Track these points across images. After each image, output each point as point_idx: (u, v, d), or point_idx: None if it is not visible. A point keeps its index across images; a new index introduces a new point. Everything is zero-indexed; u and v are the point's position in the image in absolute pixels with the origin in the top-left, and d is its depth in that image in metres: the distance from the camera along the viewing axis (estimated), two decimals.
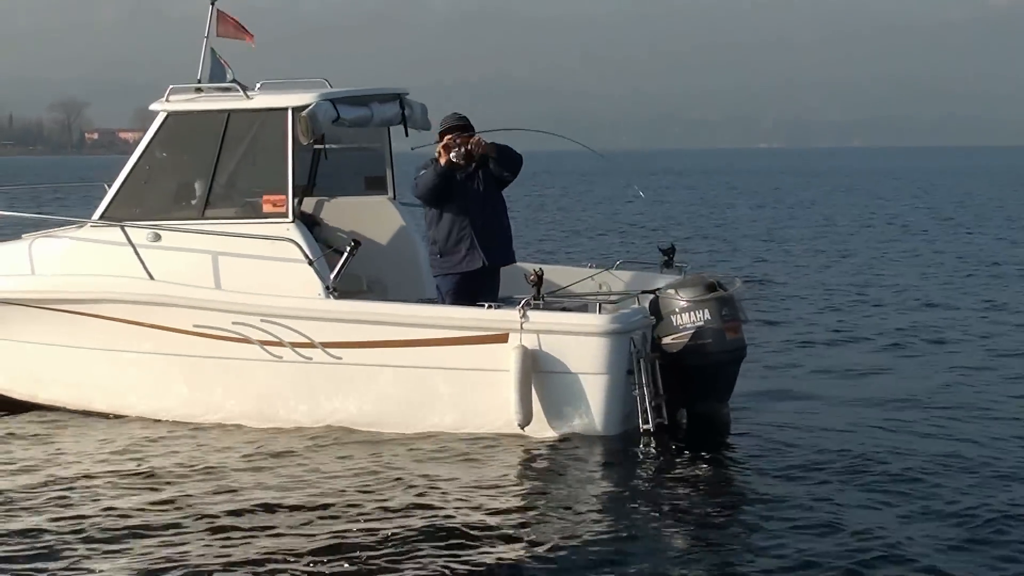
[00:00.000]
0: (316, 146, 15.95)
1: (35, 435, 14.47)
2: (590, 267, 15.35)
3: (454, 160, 13.69)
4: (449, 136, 13.86)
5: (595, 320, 13.05)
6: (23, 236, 15.61)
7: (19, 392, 15.53)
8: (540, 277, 13.12)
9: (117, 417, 14.88)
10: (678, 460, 12.69)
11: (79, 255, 14.85)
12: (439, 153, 13.81)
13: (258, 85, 15.18)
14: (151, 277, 14.31)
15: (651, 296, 13.97)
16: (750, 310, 15.23)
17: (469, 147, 13.72)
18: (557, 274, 15.13)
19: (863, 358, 18.40)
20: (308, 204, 15.93)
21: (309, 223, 15.70)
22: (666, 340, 13.65)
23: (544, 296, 13.16)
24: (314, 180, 16.07)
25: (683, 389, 13.71)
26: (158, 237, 14.39)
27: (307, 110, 13.95)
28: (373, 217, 15.81)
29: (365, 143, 16.20)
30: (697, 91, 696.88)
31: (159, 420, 14.64)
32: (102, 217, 14.68)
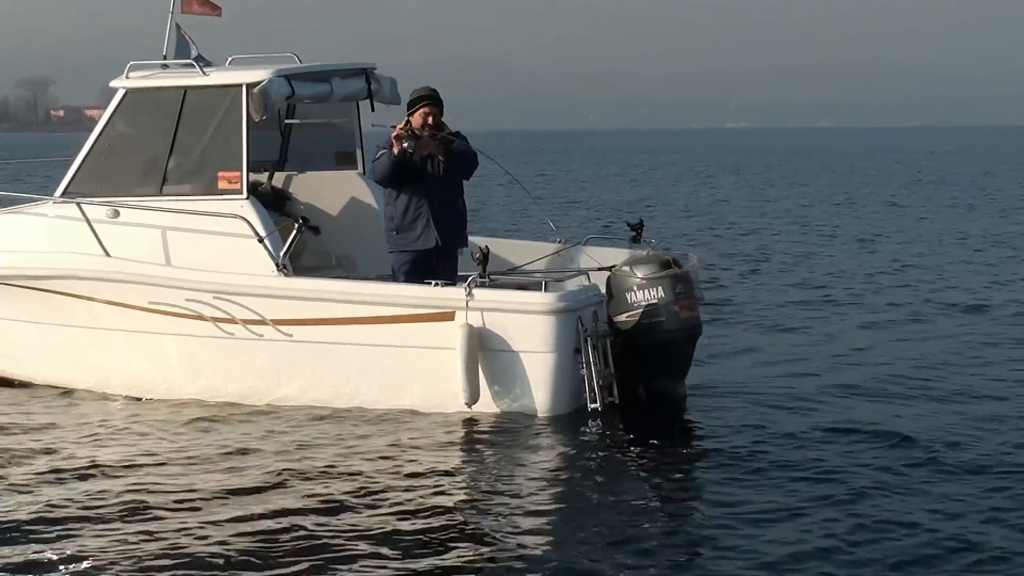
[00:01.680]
0: (288, 121, 15.63)
1: None
2: (559, 242, 14.86)
3: (407, 151, 13.15)
4: (401, 124, 13.39)
5: (541, 298, 12.59)
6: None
7: None
8: (486, 255, 12.62)
9: (75, 392, 14.51)
10: (624, 440, 12.17)
11: (41, 232, 14.58)
12: (393, 138, 13.29)
13: (229, 60, 14.82)
14: (107, 254, 13.97)
15: (606, 273, 13.45)
16: (709, 288, 14.69)
17: (415, 147, 13.26)
18: (526, 249, 14.80)
19: (826, 338, 17.81)
20: (279, 179, 15.59)
21: (280, 198, 15.42)
22: (619, 318, 13.16)
23: (489, 274, 12.63)
24: (285, 155, 15.74)
25: (637, 368, 13.19)
26: (117, 214, 14.05)
27: (259, 86, 13.53)
28: (343, 192, 15.43)
29: (334, 118, 15.73)
30: (665, 73, 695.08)
31: (117, 396, 14.27)
32: (64, 194, 14.36)
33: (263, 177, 15.52)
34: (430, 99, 13.52)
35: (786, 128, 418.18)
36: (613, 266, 13.58)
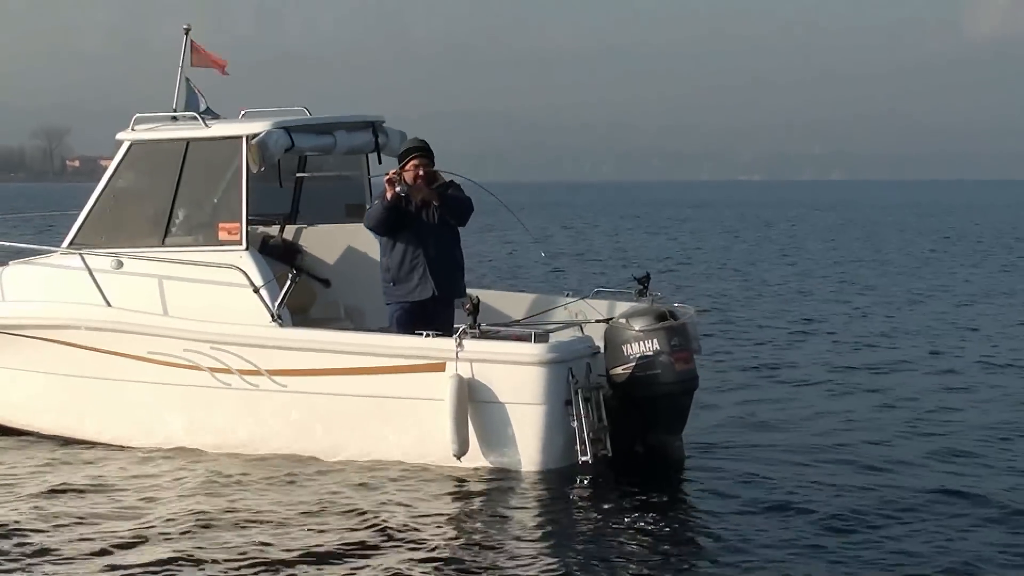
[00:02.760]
0: (298, 174, 15.52)
1: None
2: (567, 295, 14.59)
3: (400, 194, 12.91)
4: (394, 171, 13.21)
5: (530, 349, 12.26)
6: (11, 264, 15.10)
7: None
8: (476, 306, 12.37)
9: (82, 443, 14.29)
10: (613, 494, 11.88)
11: (47, 282, 14.50)
12: (385, 182, 13.06)
13: (241, 113, 14.70)
14: (108, 304, 13.86)
15: (604, 325, 13.15)
16: (710, 340, 14.33)
17: (408, 191, 13.06)
18: (531, 302, 14.52)
19: (827, 392, 17.46)
20: (290, 231, 15.45)
21: (291, 251, 15.24)
22: (615, 370, 12.86)
23: (480, 325, 12.35)
24: (297, 208, 15.60)
25: (633, 420, 12.85)
26: (121, 264, 13.92)
27: (257, 138, 13.37)
28: (353, 245, 15.21)
29: (344, 171, 15.55)
30: (677, 125, 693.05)
31: (121, 447, 14.07)
32: (70, 244, 14.29)
33: (274, 230, 15.36)
34: (419, 151, 13.31)
35: (798, 181, 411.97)
36: (610, 318, 13.29)
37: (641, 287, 13.91)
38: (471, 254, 14.89)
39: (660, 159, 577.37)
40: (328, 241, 15.29)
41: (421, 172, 13.20)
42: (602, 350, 12.96)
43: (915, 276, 37.70)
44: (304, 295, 15.16)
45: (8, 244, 15.39)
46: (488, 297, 14.65)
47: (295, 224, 15.52)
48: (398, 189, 13.00)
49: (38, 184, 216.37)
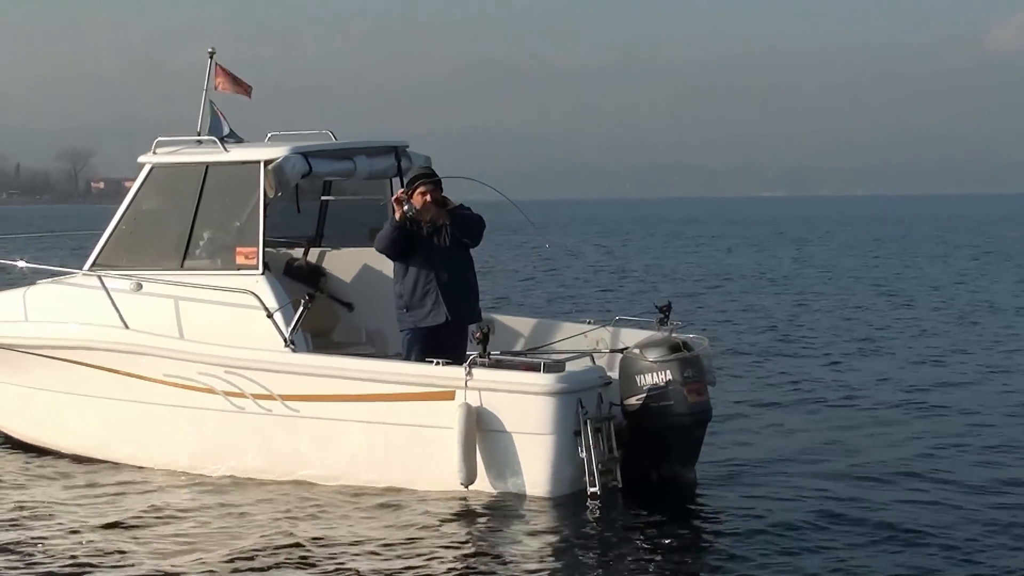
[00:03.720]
0: (323, 197, 15.45)
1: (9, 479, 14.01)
2: (588, 323, 14.34)
3: (407, 214, 12.75)
4: (401, 190, 13.06)
5: (539, 379, 12.05)
6: (38, 283, 15.13)
7: (23, 435, 15.22)
8: (486, 334, 12.19)
9: (102, 463, 14.28)
10: (620, 526, 11.64)
11: (68, 303, 14.47)
12: (393, 202, 12.97)
13: (268, 136, 14.61)
14: (126, 326, 13.78)
15: (618, 355, 12.97)
16: (728, 371, 14.03)
17: (416, 213, 12.88)
18: (552, 328, 14.29)
19: (855, 420, 16.89)
20: (314, 255, 15.35)
21: (315, 274, 15.13)
22: (629, 401, 12.68)
23: (489, 354, 12.16)
24: (322, 232, 15.50)
25: (646, 451, 12.64)
26: (140, 286, 13.85)
27: (273, 164, 13.25)
28: (376, 268, 15.05)
29: (368, 194, 15.46)
30: (697, 140, 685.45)
31: (138, 467, 14.04)
32: (92, 266, 14.25)
33: (299, 253, 15.24)
34: (425, 177, 13.15)
35: (820, 196, 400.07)
36: (624, 348, 13.09)
37: (662, 315, 13.69)
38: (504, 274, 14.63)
39: (681, 175, 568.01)
40: (352, 264, 15.18)
41: (428, 199, 13.04)
42: (617, 380, 12.77)
43: (959, 291, 37.01)
44: (327, 318, 15.05)
45: (32, 266, 15.35)
46: (508, 323, 14.51)
47: (320, 247, 15.40)
48: (405, 209, 12.85)
49: (63, 206, 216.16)
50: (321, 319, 14.99)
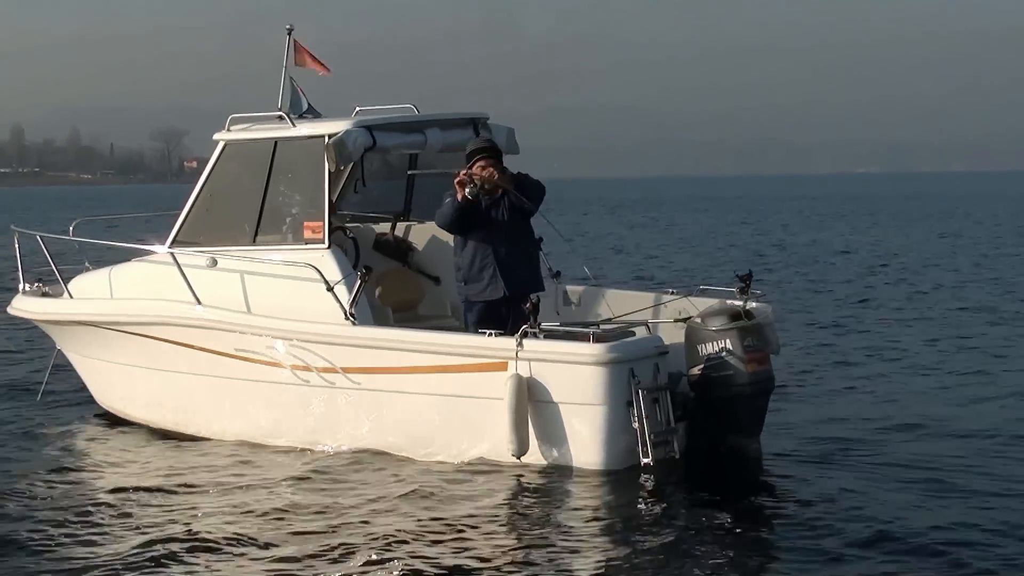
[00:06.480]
0: (410, 172, 15.20)
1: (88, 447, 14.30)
2: (671, 293, 13.89)
3: (469, 197, 12.45)
4: (464, 172, 12.72)
5: (589, 349, 11.64)
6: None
7: (117, 409, 15.33)
8: (536, 305, 11.86)
9: (181, 437, 14.30)
10: (673, 498, 11.23)
11: (148, 280, 14.47)
12: (455, 184, 12.59)
13: (355, 110, 14.32)
14: (199, 302, 13.70)
15: (683, 324, 12.52)
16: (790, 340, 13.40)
17: (483, 184, 12.56)
18: (635, 299, 13.84)
19: (922, 397, 16.16)
20: (401, 229, 15.13)
21: (403, 248, 14.89)
22: (693, 371, 12.26)
23: (540, 324, 11.81)
24: (409, 206, 15.24)
25: (709, 423, 12.21)
26: (215, 263, 13.72)
27: (334, 138, 12.97)
28: None
29: (454, 168, 15.11)
30: (789, 114, 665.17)
31: (213, 439, 14.02)
32: (172, 244, 14.17)
33: (386, 227, 15.01)
34: (485, 151, 12.85)
35: (920, 173, 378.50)
36: (688, 318, 12.64)
37: (743, 285, 13.20)
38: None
39: (775, 151, 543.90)
40: (439, 238, 14.85)
41: (488, 173, 12.73)
42: (683, 350, 12.33)
43: None
44: (414, 292, 14.83)
45: (117, 244, 15.35)
46: (589, 294, 14.12)
47: (407, 221, 15.17)
48: (468, 191, 12.54)
49: (156, 185, 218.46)
50: (408, 293, 14.79)
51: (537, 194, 12.88)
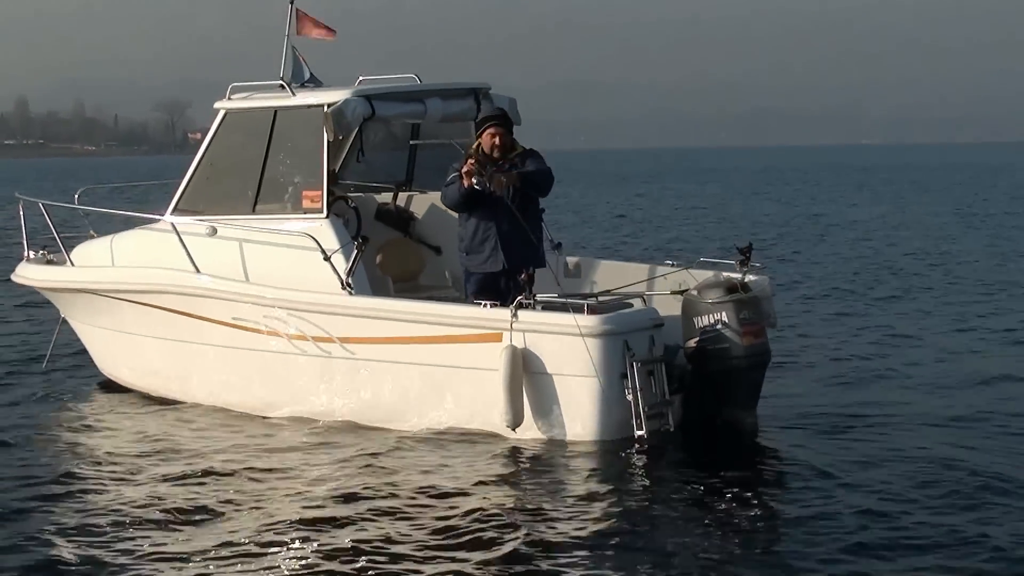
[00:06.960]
0: (412, 141, 15.17)
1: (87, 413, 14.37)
2: (670, 265, 13.84)
3: (476, 187, 12.41)
4: (472, 161, 12.59)
5: (583, 320, 11.59)
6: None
7: (117, 376, 15.38)
8: (532, 276, 11.81)
9: (180, 404, 14.37)
10: (666, 470, 11.21)
11: (148, 248, 14.46)
12: (463, 173, 12.52)
13: (358, 80, 14.30)
14: (197, 270, 13.69)
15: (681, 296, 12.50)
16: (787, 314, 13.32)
17: (491, 188, 12.50)
18: (634, 271, 13.80)
19: (920, 370, 16.02)
20: (403, 199, 15.09)
21: (404, 218, 14.86)
22: (689, 343, 12.23)
23: (535, 296, 11.76)
24: (412, 176, 15.21)
25: (705, 395, 12.19)
26: (215, 231, 13.70)
27: (333, 107, 12.92)
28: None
29: (456, 139, 15.08)
30: (792, 84, 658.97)
31: (208, 407, 14.07)
32: (172, 212, 14.15)
33: (388, 197, 15.00)
34: (495, 120, 12.77)
35: (925, 144, 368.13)
36: (685, 290, 12.61)
37: (743, 257, 13.16)
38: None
39: (778, 122, 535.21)
40: (441, 209, 14.77)
41: (497, 141, 12.68)
42: (680, 322, 12.29)
43: None
44: (415, 262, 14.81)
45: (117, 212, 15.35)
46: (590, 266, 14.11)
47: (409, 191, 15.14)
48: (475, 182, 12.47)
49: (160, 156, 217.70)
50: (409, 263, 14.77)
51: (542, 185, 12.83)
